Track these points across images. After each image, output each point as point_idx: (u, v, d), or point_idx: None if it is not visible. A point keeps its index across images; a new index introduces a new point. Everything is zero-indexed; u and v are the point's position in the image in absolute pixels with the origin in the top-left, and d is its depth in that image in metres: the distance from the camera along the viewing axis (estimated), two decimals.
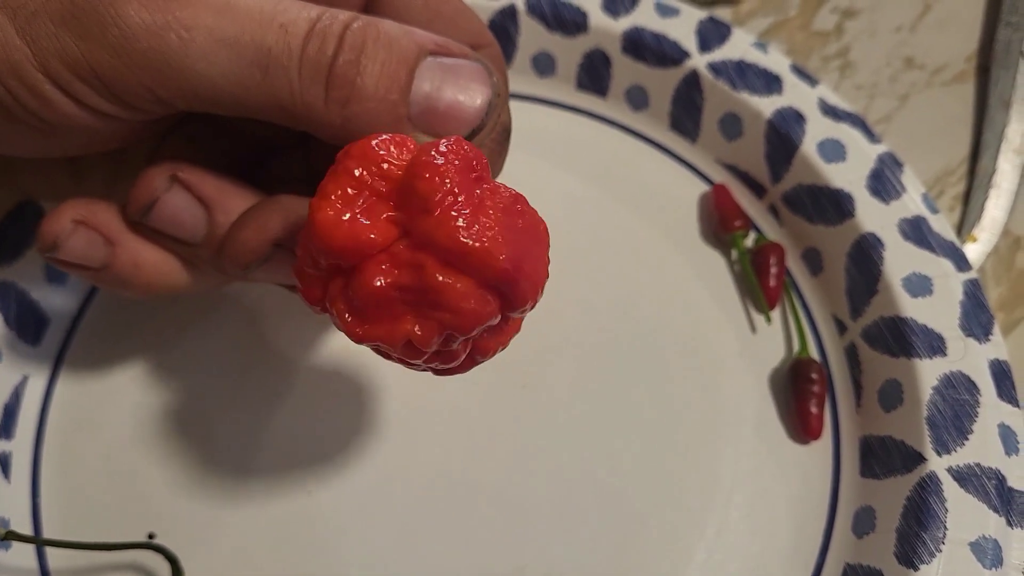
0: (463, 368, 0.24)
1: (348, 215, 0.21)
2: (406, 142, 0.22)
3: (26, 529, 0.33)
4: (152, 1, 0.22)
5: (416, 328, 0.22)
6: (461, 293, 0.21)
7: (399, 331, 0.22)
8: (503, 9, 0.41)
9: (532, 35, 0.41)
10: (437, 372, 0.24)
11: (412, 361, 0.23)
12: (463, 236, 0.21)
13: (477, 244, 0.21)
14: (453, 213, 0.21)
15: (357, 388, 0.35)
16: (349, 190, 0.22)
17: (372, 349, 0.23)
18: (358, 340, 0.22)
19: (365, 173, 0.22)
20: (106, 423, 0.35)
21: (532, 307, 0.23)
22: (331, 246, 0.21)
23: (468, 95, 0.24)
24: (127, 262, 0.27)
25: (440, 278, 0.21)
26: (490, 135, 0.25)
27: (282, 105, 0.23)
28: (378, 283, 0.21)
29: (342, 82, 0.23)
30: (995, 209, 0.40)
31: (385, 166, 0.22)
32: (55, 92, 0.23)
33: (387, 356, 0.24)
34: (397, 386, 0.35)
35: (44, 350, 0.36)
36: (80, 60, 0.22)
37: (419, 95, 0.24)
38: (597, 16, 0.40)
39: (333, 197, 0.22)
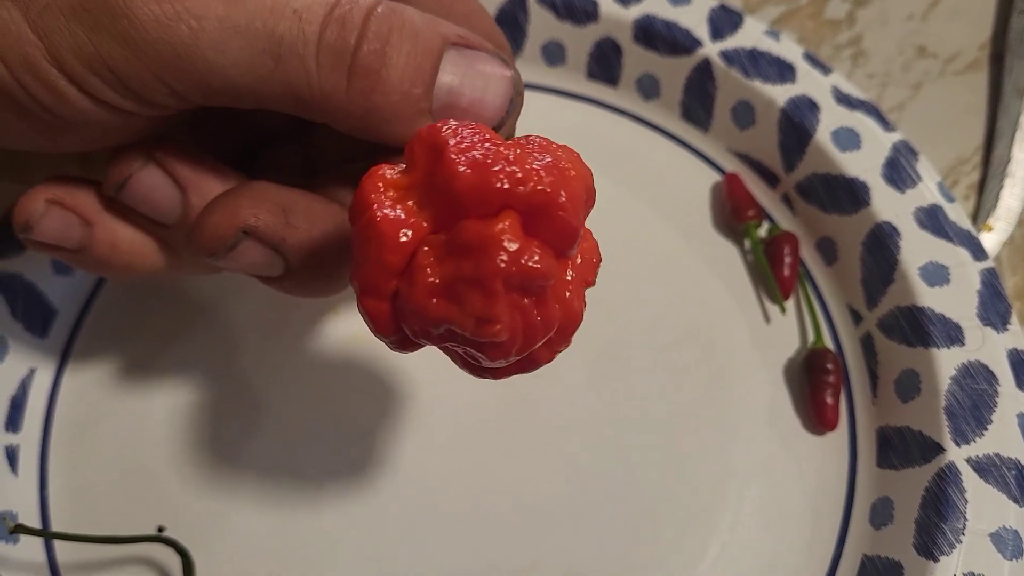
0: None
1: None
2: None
3: (34, 522, 0.32)
4: None
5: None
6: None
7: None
8: None
9: (542, 24, 0.41)
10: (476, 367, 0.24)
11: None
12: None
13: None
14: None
15: (369, 382, 0.35)
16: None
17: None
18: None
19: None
20: (114, 415, 0.34)
21: None
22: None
23: (491, 90, 0.24)
24: (104, 242, 0.27)
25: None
26: (513, 130, 0.25)
27: (297, 95, 0.23)
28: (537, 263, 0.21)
29: (366, 72, 0.22)
30: (1010, 198, 0.40)
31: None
32: (69, 87, 0.22)
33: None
34: (409, 379, 0.35)
35: (51, 342, 0.36)
36: (93, 54, 0.22)
37: (442, 89, 0.23)
38: (607, 4, 0.40)
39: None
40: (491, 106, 0.24)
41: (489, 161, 0.20)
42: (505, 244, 0.20)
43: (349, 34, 0.22)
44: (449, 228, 0.21)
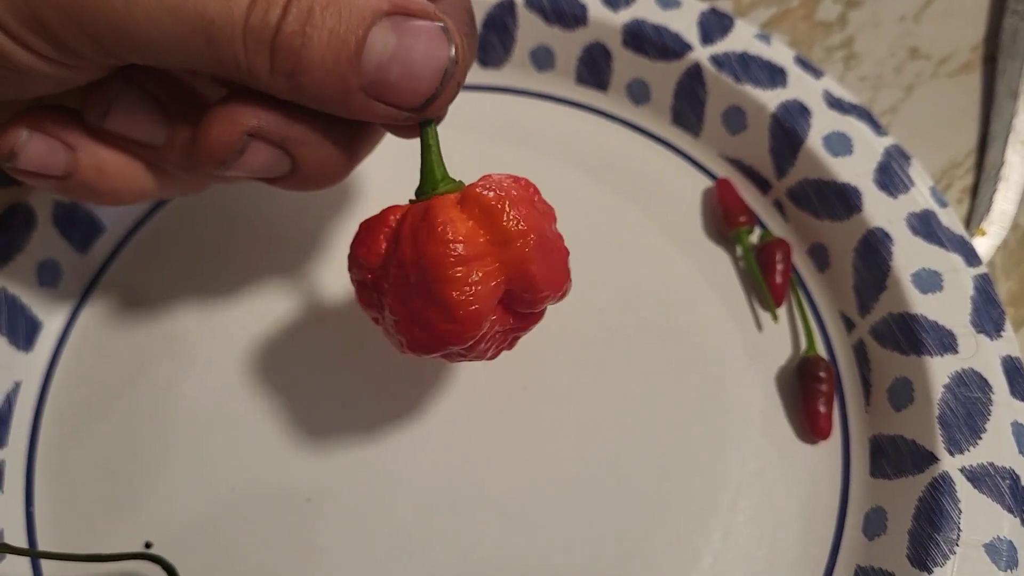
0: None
1: (478, 305, 0.25)
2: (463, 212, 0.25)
3: (21, 539, 0.32)
4: None
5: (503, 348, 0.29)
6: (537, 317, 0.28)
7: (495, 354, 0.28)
8: (501, 2, 0.40)
9: (530, 29, 0.40)
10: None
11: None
12: (545, 288, 0.26)
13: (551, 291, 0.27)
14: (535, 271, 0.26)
15: (356, 392, 0.34)
16: (466, 271, 0.25)
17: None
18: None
19: (465, 250, 0.25)
20: (101, 430, 0.34)
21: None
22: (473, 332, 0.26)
23: (422, 65, 0.24)
24: (89, 167, 0.27)
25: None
26: (451, 99, 0.25)
27: (230, 72, 0.23)
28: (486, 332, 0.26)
29: (287, 53, 0.22)
30: (1004, 202, 0.39)
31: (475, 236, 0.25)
32: (8, 42, 0.22)
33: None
34: (397, 390, 0.34)
35: (36, 356, 0.35)
36: (29, 15, 0.22)
37: (370, 64, 0.23)
38: (597, 8, 0.40)
39: (463, 282, 0.25)
40: (422, 81, 0.24)
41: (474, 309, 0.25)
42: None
43: (272, 15, 0.22)
44: None
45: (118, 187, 0.27)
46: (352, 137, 0.27)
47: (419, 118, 0.25)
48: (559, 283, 0.27)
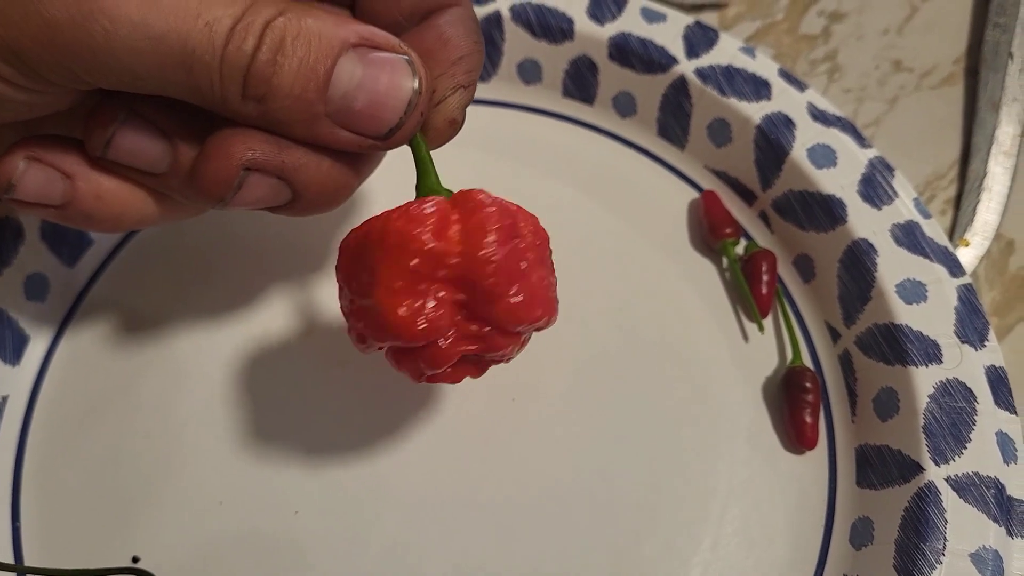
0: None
1: (421, 315, 0.25)
2: (443, 214, 0.25)
3: (7, 554, 0.32)
4: None
5: (473, 373, 0.28)
6: (512, 343, 0.27)
7: (460, 376, 0.28)
8: (488, 16, 0.40)
9: (517, 42, 0.41)
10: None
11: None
12: (520, 314, 0.25)
13: (527, 321, 0.26)
14: (513, 299, 0.25)
15: (344, 405, 0.34)
16: (412, 283, 0.24)
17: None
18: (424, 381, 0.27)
19: (420, 263, 0.24)
20: (88, 444, 0.34)
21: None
22: (411, 338, 0.25)
23: (386, 94, 0.24)
24: (88, 195, 0.27)
25: (502, 340, 0.26)
26: (415, 130, 0.26)
27: (204, 98, 0.24)
28: (448, 351, 0.26)
29: (258, 80, 0.23)
30: (987, 212, 0.40)
31: (436, 247, 0.24)
32: None
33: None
34: (386, 402, 0.34)
35: (23, 370, 0.35)
36: (2, 43, 0.22)
37: (337, 93, 0.24)
38: (583, 23, 0.40)
39: (401, 293, 0.24)
40: (385, 111, 0.25)
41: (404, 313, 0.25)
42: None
43: (247, 45, 0.23)
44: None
45: (118, 214, 0.27)
46: (351, 157, 0.27)
47: (384, 147, 0.26)
48: (534, 306, 0.26)
